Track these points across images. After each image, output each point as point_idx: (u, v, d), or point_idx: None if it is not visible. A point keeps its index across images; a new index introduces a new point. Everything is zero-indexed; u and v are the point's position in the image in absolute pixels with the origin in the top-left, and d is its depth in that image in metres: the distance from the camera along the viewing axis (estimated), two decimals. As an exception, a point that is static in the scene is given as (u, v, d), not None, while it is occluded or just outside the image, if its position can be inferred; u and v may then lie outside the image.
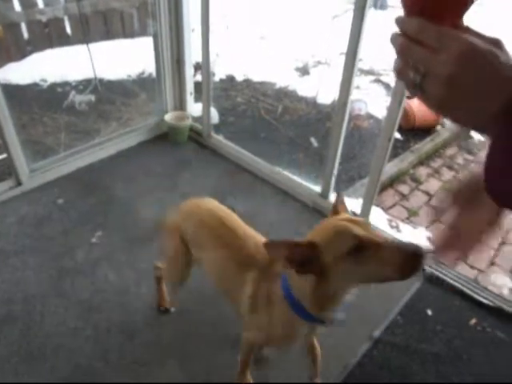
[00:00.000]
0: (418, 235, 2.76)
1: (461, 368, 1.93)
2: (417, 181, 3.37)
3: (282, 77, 4.64)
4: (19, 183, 2.67)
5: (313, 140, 3.57)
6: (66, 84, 4.06)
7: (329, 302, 1.18)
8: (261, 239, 1.48)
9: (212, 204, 1.68)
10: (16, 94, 3.77)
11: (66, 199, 2.65)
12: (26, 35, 4.48)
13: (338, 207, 1.21)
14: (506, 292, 2.47)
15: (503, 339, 2.06)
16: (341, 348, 1.93)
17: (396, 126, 2.21)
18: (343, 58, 2.25)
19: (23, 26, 4.42)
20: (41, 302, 2.07)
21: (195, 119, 3.32)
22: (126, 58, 4.36)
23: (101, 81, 4.00)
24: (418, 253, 0.98)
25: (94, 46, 4.03)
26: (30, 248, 2.34)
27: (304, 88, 4.45)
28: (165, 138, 3.28)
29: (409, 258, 0.98)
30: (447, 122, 4.12)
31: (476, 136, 4.13)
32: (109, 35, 4.70)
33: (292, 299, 1.23)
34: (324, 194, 2.64)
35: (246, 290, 1.39)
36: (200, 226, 1.58)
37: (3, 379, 1.77)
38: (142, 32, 4.79)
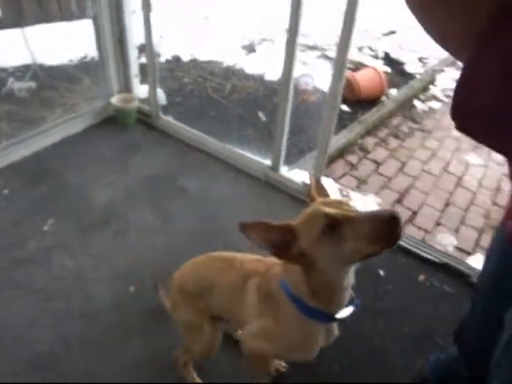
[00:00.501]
0: (368, 202, 2.86)
1: (410, 320, 2.05)
2: (365, 150, 3.48)
3: (229, 55, 4.62)
4: (-39, 176, 2.56)
5: (261, 115, 3.60)
6: (2, 70, 3.88)
7: (331, 293, 1.12)
8: (258, 257, 1.39)
9: (202, 256, 1.57)
10: None
11: (11, 189, 2.57)
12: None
13: (312, 193, 1.16)
14: (451, 250, 2.62)
15: (449, 292, 2.20)
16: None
17: (340, 94, 2.25)
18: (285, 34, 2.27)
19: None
20: (-5, 294, 2.02)
21: (142, 101, 3.28)
22: (66, 42, 4.19)
23: (41, 66, 3.84)
24: (393, 217, 0.92)
25: (30, 30, 3.86)
26: (-22, 241, 2.27)
27: (251, 66, 4.46)
28: (112, 121, 3.22)
29: (385, 225, 0.93)
30: (392, 93, 4.25)
31: (419, 105, 4.29)
32: (46, 18, 4.49)
33: (293, 298, 1.16)
34: (274, 167, 2.69)
35: (250, 300, 1.30)
36: (199, 272, 1.50)
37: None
38: (81, 14, 4.60)
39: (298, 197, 2.62)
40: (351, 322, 1.95)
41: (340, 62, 2.13)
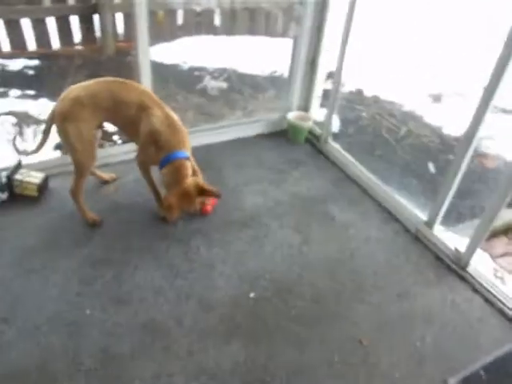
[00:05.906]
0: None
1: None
2: (537, 235, 3.06)
3: (412, 99, 4.50)
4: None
5: (431, 166, 3.41)
6: (202, 69, 4.34)
7: None
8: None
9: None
10: (160, 70, 4.10)
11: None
12: (179, 21, 4.91)
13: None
14: None
15: None
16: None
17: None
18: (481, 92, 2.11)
19: (179, 13, 4.87)
20: None
21: (316, 123, 3.36)
22: (262, 54, 4.54)
23: (234, 71, 4.20)
24: None
25: (236, 38, 4.26)
26: None
27: (432, 115, 4.27)
28: (283, 135, 3.37)
29: None
30: None
31: None
32: (252, 31, 4.95)
33: None
34: (429, 223, 2.50)
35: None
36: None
37: None
38: (283, 33, 4.96)
39: (445, 260, 2.41)
40: None
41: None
